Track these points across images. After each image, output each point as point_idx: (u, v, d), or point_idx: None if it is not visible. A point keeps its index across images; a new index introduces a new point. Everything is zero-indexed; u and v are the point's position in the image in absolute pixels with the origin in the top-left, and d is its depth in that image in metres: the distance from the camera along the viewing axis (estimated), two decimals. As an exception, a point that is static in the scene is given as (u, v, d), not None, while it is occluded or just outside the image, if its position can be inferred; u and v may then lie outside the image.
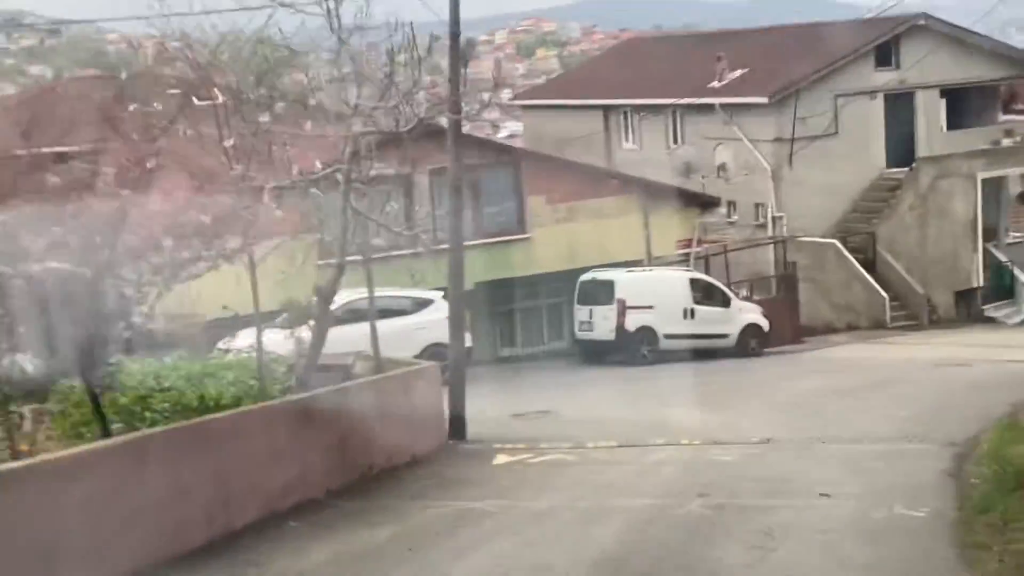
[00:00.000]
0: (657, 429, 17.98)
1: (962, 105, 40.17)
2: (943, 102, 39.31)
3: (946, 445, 15.77)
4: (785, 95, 36.96)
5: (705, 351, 28.58)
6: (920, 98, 38.68)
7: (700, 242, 32.02)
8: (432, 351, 24.61)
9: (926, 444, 15.96)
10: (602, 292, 28.40)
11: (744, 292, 33.06)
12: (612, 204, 30.62)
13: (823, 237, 36.31)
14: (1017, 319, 38.06)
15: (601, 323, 28.29)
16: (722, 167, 32.88)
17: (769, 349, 29.76)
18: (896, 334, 33.75)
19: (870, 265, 35.93)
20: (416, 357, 23.25)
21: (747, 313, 29.66)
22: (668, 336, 28.30)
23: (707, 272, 31.89)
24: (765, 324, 29.69)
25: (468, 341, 25.26)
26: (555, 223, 29.90)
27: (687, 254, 31.55)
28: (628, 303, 28.03)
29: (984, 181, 37.36)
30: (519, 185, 29.71)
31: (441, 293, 25.16)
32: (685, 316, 28.65)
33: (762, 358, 29.04)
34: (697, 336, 28.65)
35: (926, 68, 38.15)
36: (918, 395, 21.13)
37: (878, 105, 38.23)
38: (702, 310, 28.90)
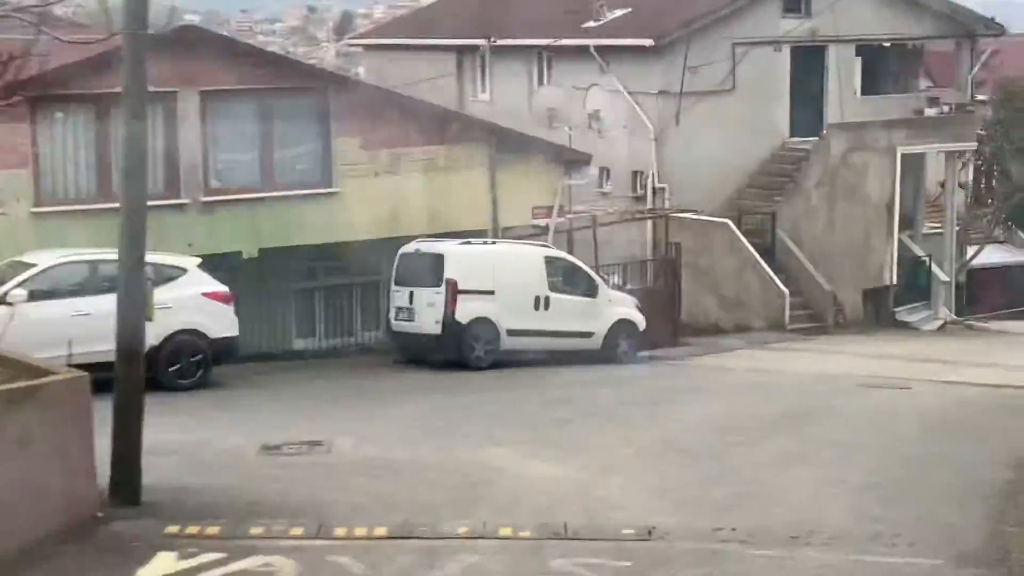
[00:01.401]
0: (468, 493, 10.99)
1: (880, 66, 33.99)
2: (859, 61, 33.03)
3: (956, 559, 9.06)
4: (674, 39, 30.27)
5: (562, 353, 21.75)
6: (833, 54, 32.28)
7: (563, 212, 25.07)
8: (177, 341, 17.49)
9: (921, 556, 9.18)
10: (427, 270, 21.30)
11: (615, 279, 26.25)
12: (450, 155, 23.50)
13: (713, 215, 29.77)
14: (933, 324, 32.03)
15: (424, 311, 21.18)
16: (595, 116, 25.76)
17: (644, 353, 22.96)
18: (798, 339, 27.29)
19: (768, 252, 29.46)
20: (156, 348, 16.32)
21: (618, 306, 22.80)
22: (513, 332, 21.32)
23: (570, 251, 24.99)
24: (640, 321, 22.87)
25: (232, 329, 18.07)
26: (372, 175, 22.70)
27: (545, 226, 24.57)
28: (461, 286, 20.97)
29: (903, 159, 31.17)
30: (325, 122, 22.39)
31: (197, 261, 17.87)
32: (537, 307, 21.68)
33: (634, 365, 22.21)
34: (551, 333, 21.73)
35: (841, 18, 31.79)
36: (861, 438, 14.45)
37: (784, 59, 31.81)
38: (560, 300, 21.95)
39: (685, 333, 27.17)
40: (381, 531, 9.43)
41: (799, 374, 21.39)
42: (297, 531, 9.41)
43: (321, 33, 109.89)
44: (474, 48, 34.94)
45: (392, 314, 21.76)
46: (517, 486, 11.41)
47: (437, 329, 20.94)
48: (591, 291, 22.39)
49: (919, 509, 10.70)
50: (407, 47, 38.35)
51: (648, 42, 30.16)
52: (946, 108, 32.61)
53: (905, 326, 31.37)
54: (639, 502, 10.75)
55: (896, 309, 31.71)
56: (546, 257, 22.16)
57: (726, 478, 11.86)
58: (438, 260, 21.17)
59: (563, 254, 22.95)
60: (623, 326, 22.54)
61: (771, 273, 28.72)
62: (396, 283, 21.70)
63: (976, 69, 34.23)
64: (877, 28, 32.67)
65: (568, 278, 22.35)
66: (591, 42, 31.24)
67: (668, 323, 26.23)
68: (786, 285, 28.69)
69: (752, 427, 15.04)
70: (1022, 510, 11.04)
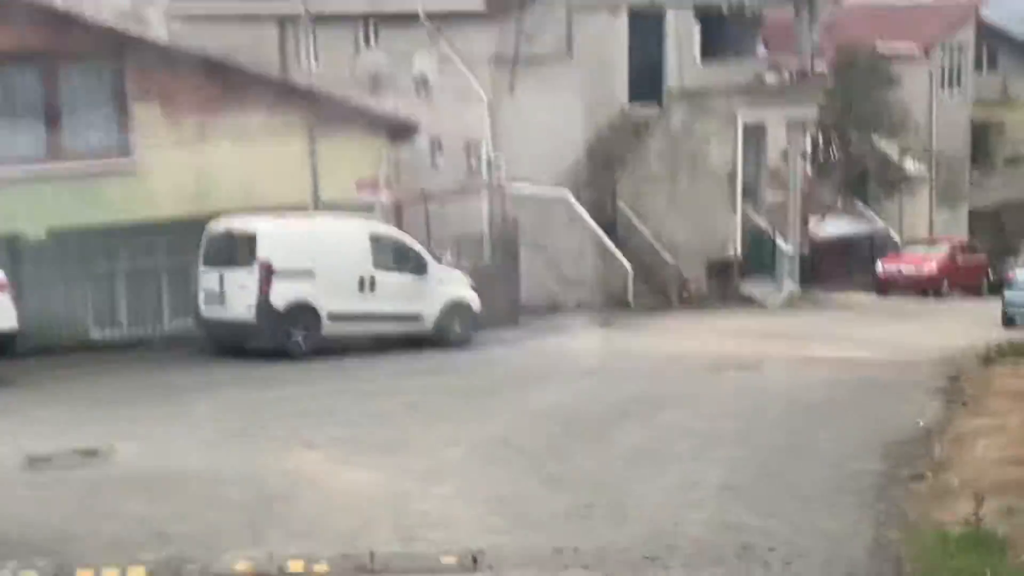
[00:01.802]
0: (262, 513, 9.14)
1: (719, 33, 32.78)
2: (698, 27, 31.78)
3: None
4: (507, 3, 28.52)
5: (390, 338, 19.92)
6: (672, 19, 30.95)
7: (390, 185, 23.17)
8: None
9: (798, 565, 7.67)
10: (239, 249, 19.21)
11: (449, 257, 24.49)
12: (265, 123, 21.32)
13: (552, 189, 28.21)
14: (778, 298, 31.06)
15: (236, 295, 19.10)
16: (422, 81, 23.88)
17: (480, 336, 21.28)
18: (643, 316, 25.94)
19: (610, 227, 28.05)
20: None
21: (450, 286, 21.02)
22: (335, 317, 19.39)
23: (399, 227, 23.11)
24: (474, 301, 21.15)
25: (9, 321, 15.78)
26: (177, 146, 20.41)
27: (371, 202, 22.64)
28: (276, 266, 18.95)
29: (745, 128, 30.09)
30: (121, 86, 20.06)
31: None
32: (362, 288, 19.78)
33: (469, 350, 20.52)
34: (378, 317, 19.87)
35: (680, -17, 30.51)
36: (718, 426, 13.01)
37: (621, 25, 30.30)
38: (387, 280, 20.08)
39: (524, 313, 25.59)
40: (136, 573, 7.52)
41: (646, 355, 19.96)
42: (29, 576, 7.45)
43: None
44: (297, 17, 32.69)
45: (201, 299, 19.61)
46: (323, 500, 9.62)
47: (250, 315, 18.88)
48: (421, 270, 20.58)
49: (790, 513, 9.25)
50: (224, 17, 35.86)
51: (479, 8, 28.38)
52: (787, 75, 31.63)
53: (751, 301, 30.32)
54: (467, 517, 9.05)
55: (741, 283, 30.67)
56: (371, 234, 20.26)
57: (570, 482, 10.23)
58: (250, 238, 19.10)
59: (390, 230, 21.06)
60: (456, 307, 20.82)
61: (613, 248, 27.31)
62: (204, 264, 19.56)
63: (815, 36, 33.31)
64: (717, -8, 31.53)
65: (396, 256, 20.49)
66: (420, 7, 29.34)
67: (506, 303, 24.61)
68: (629, 260, 27.32)
69: (599, 417, 13.49)
70: (900, 508, 9.69)
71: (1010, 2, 48.60)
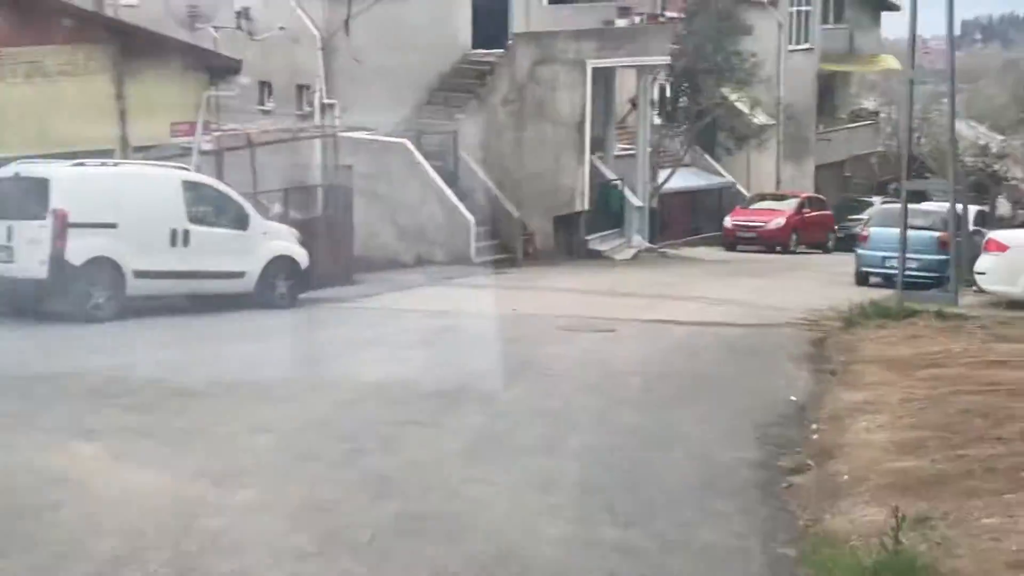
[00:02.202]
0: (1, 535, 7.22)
1: (569, -27, 31.29)
2: (547, -35, 30.22)
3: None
4: (341, -68, 26.49)
5: (207, 298, 17.93)
6: (518, -44, 29.29)
7: (209, 128, 20.99)
8: None
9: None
10: (29, 198, 16.90)
11: (277, 208, 22.45)
12: (65, 57, 19.00)
13: (390, 136, 26.36)
14: (627, 253, 29.89)
15: (25, 250, 16.81)
16: (244, 15, 21.49)
17: (308, 295, 19.40)
18: (486, 272, 24.30)
19: (451, 177, 26.34)
20: None
21: (275, 240, 19.01)
22: (142, 274, 17.24)
23: (220, 175, 20.98)
24: (302, 257, 19.19)
25: None
26: (-43, 81, 17.99)
27: (188, 148, 20.46)
28: (73, 218, 16.71)
29: (593, 73, 28.63)
30: None
31: None
32: (174, 242, 17.66)
33: (296, 311, 18.62)
34: (192, 274, 17.79)
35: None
36: (571, 408, 11.44)
37: (465, -39, 28.55)
38: (203, 233, 17.99)
39: (359, 269, 23.75)
40: None
41: (488, 315, 18.29)
42: None
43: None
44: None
45: (-12, 254, 17.26)
46: (86, 514, 7.71)
47: (43, 272, 16.62)
48: (241, 223, 18.53)
49: (658, 522, 7.71)
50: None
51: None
52: (637, 19, 30.22)
53: (598, 255, 29.06)
54: (266, 538, 7.27)
55: (588, 237, 29.34)
56: (184, 182, 18.10)
57: (395, 486, 8.51)
58: (41, 186, 16.78)
59: (206, 178, 18.93)
60: (281, 263, 18.84)
61: (454, 199, 25.63)
62: (-9, 215, 17.20)
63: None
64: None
65: (213, 207, 18.39)
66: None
67: (340, 258, 22.74)
68: (472, 213, 25.67)
69: (434, 394, 11.78)
70: (789, 512, 8.24)
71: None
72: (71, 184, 16.92)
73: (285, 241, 19.08)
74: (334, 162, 24.84)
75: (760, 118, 38.32)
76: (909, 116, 22.58)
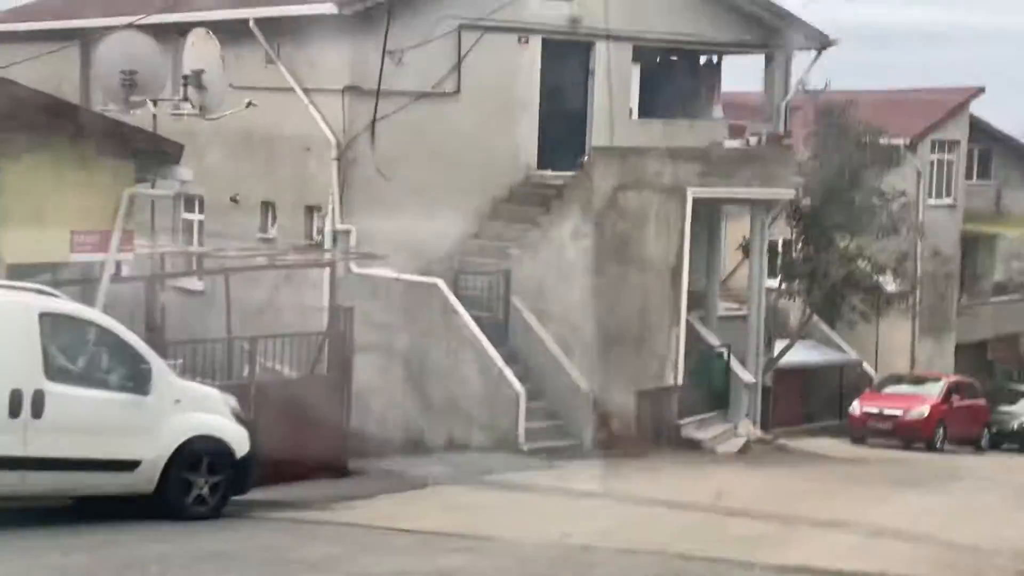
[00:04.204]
0: None
1: (664, 81, 24.70)
2: (637, 69, 23.65)
3: None
4: (370, 7, 20.26)
5: (77, 501, 11.04)
6: (602, 55, 22.75)
7: (130, 243, 14.26)
8: None
9: None
10: None
11: (270, 362, 15.65)
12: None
13: (420, 274, 19.69)
14: (734, 444, 22.57)
15: None
16: (194, 79, 14.61)
17: (256, 495, 12.30)
18: (539, 465, 17.17)
19: (499, 333, 19.44)
20: None
21: (193, 412, 11.90)
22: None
23: (160, 310, 14.20)
24: (238, 439, 12.02)
25: None
26: None
27: (96, 266, 13.77)
28: None
29: (695, 206, 21.79)
30: None
31: None
32: (16, 411, 10.73)
33: (218, 527, 11.48)
34: (46, 463, 10.81)
35: (615, 8, 22.36)
36: None
37: (532, 56, 22.20)
38: (69, 398, 11.01)
39: (362, 454, 16.84)
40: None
41: (525, 545, 11.05)
42: None
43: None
44: (100, 31, 24.18)
45: None
46: None
47: None
48: (139, 382, 11.48)
49: None
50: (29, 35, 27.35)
51: (329, 10, 20.00)
52: (754, 140, 23.39)
53: (696, 445, 21.78)
54: None
55: (682, 421, 22.11)
56: (44, 314, 11.20)
57: None
58: None
59: (81, 310, 11.89)
60: (201, 449, 11.75)
61: (500, 363, 18.58)
62: None
63: (791, 95, 25.15)
64: (662, 26, 23.42)
65: (90, 357, 11.49)
66: (250, 13, 20.98)
67: (328, 439, 15.83)
68: (523, 382, 18.60)
69: None
70: None
71: (1009, 99, 41.59)
72: None
73: (210, 414, 12.02)
74: (333, 302, 18.05)
75: (892, 284, 31.11)
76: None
